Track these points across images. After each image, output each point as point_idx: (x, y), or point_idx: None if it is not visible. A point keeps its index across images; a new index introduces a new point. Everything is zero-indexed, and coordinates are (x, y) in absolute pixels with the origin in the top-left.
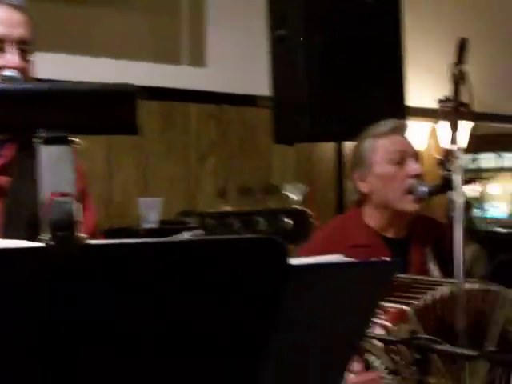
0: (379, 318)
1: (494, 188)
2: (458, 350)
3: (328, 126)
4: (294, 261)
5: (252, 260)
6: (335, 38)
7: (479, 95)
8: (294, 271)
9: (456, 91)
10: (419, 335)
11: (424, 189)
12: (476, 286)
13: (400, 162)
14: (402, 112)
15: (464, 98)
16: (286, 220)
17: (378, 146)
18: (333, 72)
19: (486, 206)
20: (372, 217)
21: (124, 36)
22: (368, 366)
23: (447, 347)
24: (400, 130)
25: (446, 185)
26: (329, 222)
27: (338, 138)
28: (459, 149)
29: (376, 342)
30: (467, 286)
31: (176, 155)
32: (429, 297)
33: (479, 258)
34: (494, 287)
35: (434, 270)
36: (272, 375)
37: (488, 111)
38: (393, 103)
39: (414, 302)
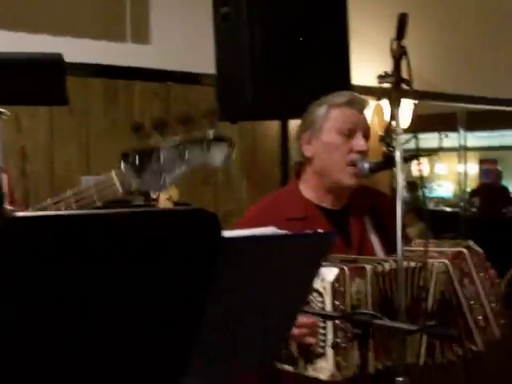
0: (337, 265)
1: (440, 168)
2: (398, 325)
3: (271, 103)
4: (227, 233)
5: (186, 231)
6: (279, 16)
7: (423, 74)
8: (226, 243)
9: (396, 67)
10: (360, 310)
11: (365, 164)
12: (412, 264)
13: (348, 134)
14: (347, 89)
15: (404, 74)
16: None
17: (330, 115)
18: (277, 49)
19: (433, 185)
20: (309, 185)
21: (67, 12)
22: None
23: (387, 322)
24: (357, 105)
25: (388, 162)
26: (265, 196)
27: (282, 116)
28: (400, 126)
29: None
30: (405, 263)
31: (119, 133)
32: (380, 267)
33: (425, 237)
34: (433, 266)
35: (375, 239)
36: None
37: (431, 90)
38: (338, 80)
39: (367, 265)
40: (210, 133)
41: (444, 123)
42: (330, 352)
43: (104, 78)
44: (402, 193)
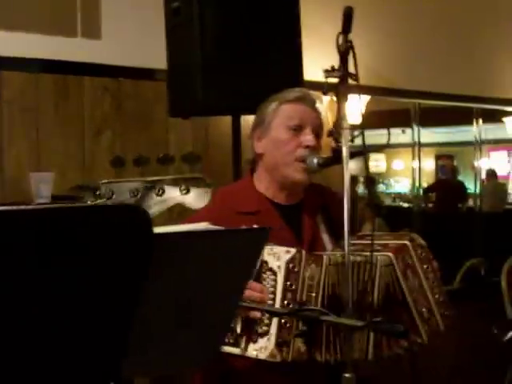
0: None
1: (397, 164)
2: (344, 321)
3: (223, 99)
4: (158, 229)
5: (117, 227)
6: (230, 11)
7: (376, 69)
8: (157, 239)
9: (342, 61)
10: (307, 307)
11: (314, 160)
12: (358, 258)
13: (297, 130)
14: (299, 84)
15: (352, 69)
16: (183, 188)
17: (279, 111)
18: (228, 44)
19: (391, 181)
20: (262, 181)
21: (16, 7)
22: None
23: (333, 318)
24: (307, 101)
25: (337, 157)
26: (218, 189)
27: (233, 112)
28: (347, 121)
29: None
30: (352, 257)
31: (70, 129)
32: (334, 258)
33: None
34: (377, 259)
35: (326, 237)
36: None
37: (384, 85)
38: (290, 76)
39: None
40: (190, 175)
41: (397, 119)
42: (273, 331)
43: (54, 73)
44: (348, 188)
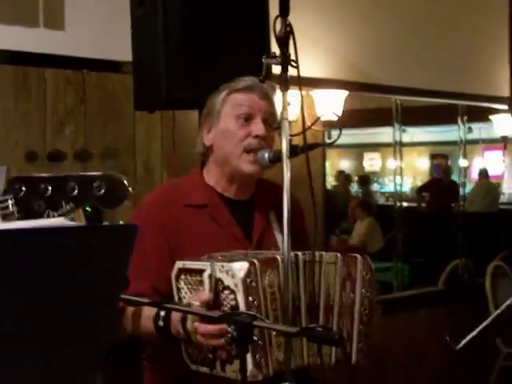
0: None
1: (391, 163)
2: (277, 327)
3: (188, 92)
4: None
5: None
6: (196, 2)
7: (356, 64)
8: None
9: (282, 48)
10: (240, 311)
11: (265, 154)
12: (307, 257)
13: (247, 119)
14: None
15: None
16: (96, 185)
17: (228, 100)
18: (193, 37)
19: (384, 180)
20: (213, 174)
21: None
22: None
23: (267, 324)
24: (257, 90)
25: (291, 152)
26: (166, 182)
27: (200, 105)
28: (287, 114)
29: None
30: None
31: (31, 123)
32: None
33: (374, 231)
34: (322, 256)
35: (279, 236)
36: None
37: (364, 81)
38: (256, 69)
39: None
40: (105, 173)
41: (379, 118)
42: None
43: (15, 65)
44: (288, 187)
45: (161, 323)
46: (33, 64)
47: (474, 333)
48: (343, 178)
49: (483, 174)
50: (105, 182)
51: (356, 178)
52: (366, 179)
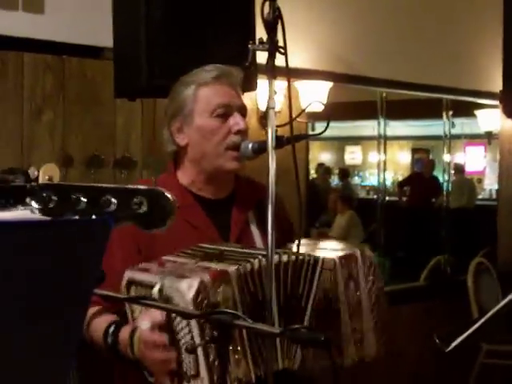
0: (198, 273)
1: (373, 156)
2: (259, 327)
3: (169, 80)
4: None
5: None
6: None
7: (341, 55)
8: None
9: (270, 33)
10: (221, 309)
11: (249, 145)
12: (292, 257)
13: (223, 115)
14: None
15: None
16: (136, 201)
17: (199, 96)
18: (176, 24)
19: (365, 173)
20: (187, 174)
21: None
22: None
23: (248, 323)
24: (226, 79)
25: (276, 142)
26: (137, 181)
27: None
28: (274, 104)
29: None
30: (282, 258)
31: (8, 108)
32: (248, 265)
33: (355, 225)
34: (310, 257)
35: (257, 234)
36: None
37: (349, 72)
38: (241, 56)
39: (231, 267)
40: (152, 190)
41: (363, 111)
42: (204, 374)
43: None
44: (273, 179)
45: (109, 340)
46: (11, 48)
47: (464, 335)
48: (323, 170)
49: (458, 169)
50: (147, 197)
51: (337, 171)
52: (346, 172)
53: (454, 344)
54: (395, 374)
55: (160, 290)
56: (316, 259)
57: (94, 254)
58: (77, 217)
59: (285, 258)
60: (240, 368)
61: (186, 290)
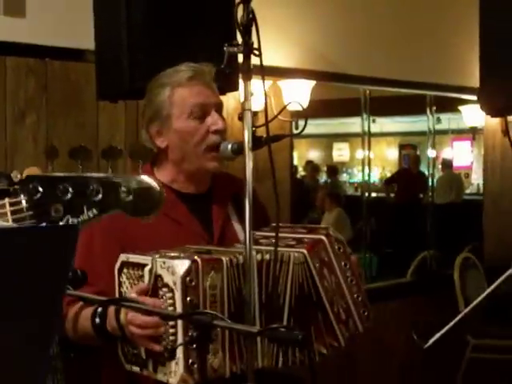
0: (191, 256)
1: (360, 153)
2: (238, 327)
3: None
4: None
5: None
6: None
7: (323, 53)
8: None
9: (244, 35)
10: (201, 310)
11: (228, 146)
12: (266, 256)
13: (201, 115)
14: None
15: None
16: (123, 190)
17: (175, 99)
18: (157, 27)
19: (353, 170)
20: (167, 174)
21: None
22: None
23: (227, 323)
24: (201, 78)
25: (254, 143)
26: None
27: None
28: (250, 105)
29: None
30: (259, 256)
31: None
32: (240, 258)
33: (343, 222)
34: (290, 257)
35: (238, 227)
36: None
37: (331, 70)
38: (222, 58)
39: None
40: (139, 178)
41: (347, 108)
42: (180, 354)
43: None
44: (250, 180)
45: (97, 320)
46: None
47: (442, 331)
48: (311, 168)
49: (446, 164)
50: (133, 186)
51: (325, 169)
52: (334, 169)
53: (432, 340)
54: (383, 369)
55: (150, 270)
56: (287, 256)
57: (64, 257)
58: (44, 224)
59: (266, 256)
60: (216, 358)
61: (177, 267)
